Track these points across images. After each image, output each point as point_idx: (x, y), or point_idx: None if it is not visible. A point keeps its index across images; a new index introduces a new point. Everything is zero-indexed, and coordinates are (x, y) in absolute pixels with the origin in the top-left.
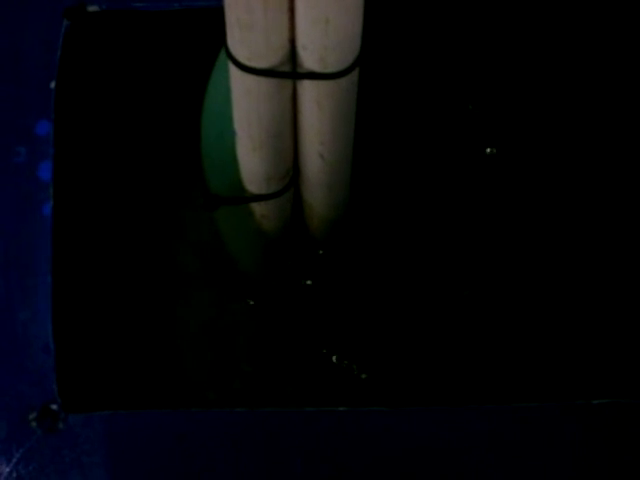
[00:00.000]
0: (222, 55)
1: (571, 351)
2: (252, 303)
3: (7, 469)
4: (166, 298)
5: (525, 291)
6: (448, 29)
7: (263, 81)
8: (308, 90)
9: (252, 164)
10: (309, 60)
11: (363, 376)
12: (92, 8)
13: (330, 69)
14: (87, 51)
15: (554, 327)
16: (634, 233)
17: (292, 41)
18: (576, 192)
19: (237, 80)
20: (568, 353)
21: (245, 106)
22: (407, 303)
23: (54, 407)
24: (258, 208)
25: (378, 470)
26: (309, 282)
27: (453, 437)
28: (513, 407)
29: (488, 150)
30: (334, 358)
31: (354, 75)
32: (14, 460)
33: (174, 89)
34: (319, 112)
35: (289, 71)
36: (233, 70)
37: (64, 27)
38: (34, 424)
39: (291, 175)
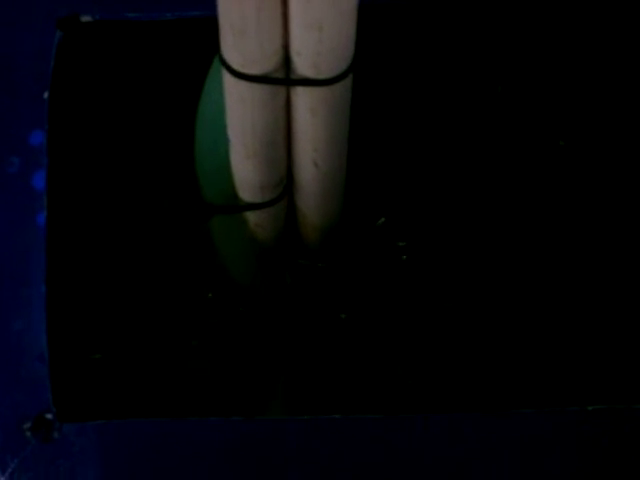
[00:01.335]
0: (215, 63)
1: (566, 357)
2: (242, 310)
3: (2, 479)
4: (162, 307)
5: (521, 297)
6: (444, 35)
7: (257, 88)
8: (302, 97)
9: (246, 172)
10: (303, 66)
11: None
12: (85, 18)
13: (324, 75)
14: (80, 61)
15: (548, 333)
16: (634, 239)
17: (286, 47)
18: (576, 193)
19: (231, 87)
20: (563, 359)
21: (239, 114)
22: (404, 311)
23: (49, 416)
24: (252, 217)
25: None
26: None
27: (449, 444)
28: (507, 413)
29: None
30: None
31: (348, 81)
32: (9, 470)
33: (168, 98)
34: (313, 119)
35: (283, 77)
36: (227, 77)
37: (57, 37)
38: (29, 434)
39: (285, 183)
